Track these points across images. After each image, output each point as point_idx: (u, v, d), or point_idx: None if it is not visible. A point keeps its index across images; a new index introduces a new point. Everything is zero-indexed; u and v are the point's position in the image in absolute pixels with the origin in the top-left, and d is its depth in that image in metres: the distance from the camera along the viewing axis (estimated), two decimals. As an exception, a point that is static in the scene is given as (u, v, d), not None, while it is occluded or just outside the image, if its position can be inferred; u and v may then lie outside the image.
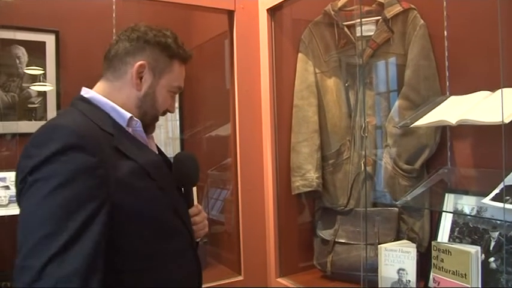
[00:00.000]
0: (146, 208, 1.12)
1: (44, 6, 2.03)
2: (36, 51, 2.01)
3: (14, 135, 1.92)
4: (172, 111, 1.35)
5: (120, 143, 1.13)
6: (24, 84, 1.98)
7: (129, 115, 1.20)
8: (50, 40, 2.04)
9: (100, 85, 1.25)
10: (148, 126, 1.29)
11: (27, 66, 1.99)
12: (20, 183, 1.02)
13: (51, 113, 2.00)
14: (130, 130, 1.21)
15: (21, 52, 1.98)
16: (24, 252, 0.91)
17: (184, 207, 1.28)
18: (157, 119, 1.32)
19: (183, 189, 1.32)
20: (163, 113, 1.32)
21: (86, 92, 1.22)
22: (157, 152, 1.33)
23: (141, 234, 1.10)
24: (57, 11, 2.04)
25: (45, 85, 2.02)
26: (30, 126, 1.96)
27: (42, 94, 2.02)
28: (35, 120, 2.00)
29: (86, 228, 0.94)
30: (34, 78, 2.01)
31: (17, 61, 1.97)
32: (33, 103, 2.00)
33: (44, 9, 2.03)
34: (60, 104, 2.02)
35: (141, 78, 1.23)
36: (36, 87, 2.01)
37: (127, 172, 1.09)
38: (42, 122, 1.18)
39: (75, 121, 1.08)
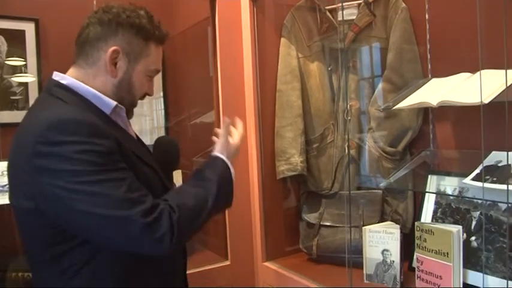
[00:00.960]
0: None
1: (22, -7, 2.00)
2: (16, 40, 1.98)
3: (-5, 125, 1.90)
4: (151, 94, 1.30)
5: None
6: (5, 76, 1.96)
7: (114, 103, 1.17)
8: (29, 28, 2.01)
9: (73, 72, 1.19)
10: (127, 112, 1.25)
11: (7, 55, 1.96)
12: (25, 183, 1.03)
13: (33, 102, 1.97)
14: (113, 116, 1.19)
15: (0, 41, 1.95)
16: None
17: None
18: (135, 105, 1.27)
19: None
20: (142, 97, 1.28)
21: (61, 78, 1.16)
22: (135, 137, 1.32)
23: None
24: (36, -2, 2.01)
25: (26, 76, 1.99)
26: (12, 116, 1.94)
27: (24, 84, 2.00)
28: (17, 110, 1.98)
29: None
30: (15, 68, 1.98)
31: (-4, 50, 1.94)
32: (15, 93, 1.98)
33: (23, -3, 2.00)
34: (42, 93, 2.00)
35: (115, 64, 1.17)
36: (17, 78, 1.98)
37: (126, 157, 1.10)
38: (24, 112, 1.17)
39: (72, 110, 1.07)
